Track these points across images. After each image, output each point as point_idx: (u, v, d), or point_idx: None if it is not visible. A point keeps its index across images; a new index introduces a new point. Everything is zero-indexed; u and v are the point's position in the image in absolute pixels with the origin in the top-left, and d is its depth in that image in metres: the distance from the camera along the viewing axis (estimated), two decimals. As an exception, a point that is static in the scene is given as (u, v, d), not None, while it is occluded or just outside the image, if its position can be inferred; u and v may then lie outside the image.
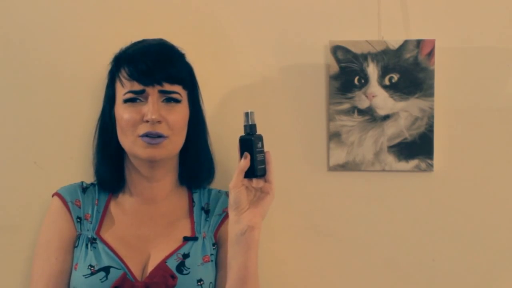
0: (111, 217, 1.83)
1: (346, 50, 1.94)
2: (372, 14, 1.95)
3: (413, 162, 1.95)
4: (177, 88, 1.78)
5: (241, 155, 1.68)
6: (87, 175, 1.94)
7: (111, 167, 1.84)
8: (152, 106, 1.74)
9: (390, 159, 1.95)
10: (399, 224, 1.97)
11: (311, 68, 1.97)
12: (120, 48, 1.84)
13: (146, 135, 1.74)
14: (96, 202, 1.84)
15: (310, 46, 1.97)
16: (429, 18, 1.95)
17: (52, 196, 1.85)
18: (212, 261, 1.78)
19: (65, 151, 1.99)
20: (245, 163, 1.67)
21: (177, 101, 1.78)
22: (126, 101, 1.76)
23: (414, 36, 1.94)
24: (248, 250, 1.67)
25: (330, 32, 1.96)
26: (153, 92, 1.75)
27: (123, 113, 1.76)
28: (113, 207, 1.84)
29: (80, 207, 1.83)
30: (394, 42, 1.93)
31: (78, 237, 1.80)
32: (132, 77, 1.75)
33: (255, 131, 1.70)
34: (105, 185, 1.85)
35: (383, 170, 1.96)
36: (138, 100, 1.76)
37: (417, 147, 1.94)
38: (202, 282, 1.73)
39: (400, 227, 1.97)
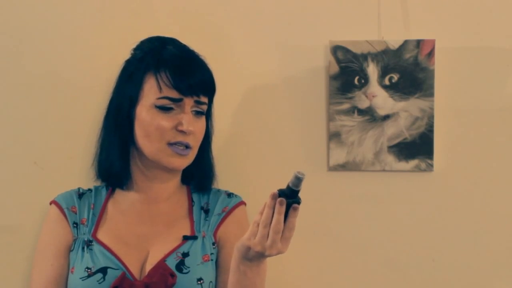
0: (108, 217, 1.83)
1: (346, 50, 1.94)
2: (372, 14, 1.96)
3: (413, 162, 1.95)
4: (207, 99, 1.79)
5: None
6: (87, 175, 1.94)
7: (123, 163, 1.82)
8: (189, 117, 1.75)
9: (390, 159, 1.95)
10: (399, 224, 1.97)
11: (311, 68, 1.97)
12: (122, 48, 1.83)
13: (177, 144, 1.74)
14: (92, 206, 1.84)
15: (310, 46, 1.97)
16: (429, 18, 1.96)
17: (50, 204, 1.86)
18: (212, 260, 1.78)
19: (65, 151, 1.99)
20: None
21: (203, 112, 1.79)
22: (160, 107, 1.75)
23: (414, 36, 1.94)
24: (256, 276, 1.65)
25: (330, 32, 1.96)
26: (189, 102, 1.75)
27: (152, 119, 1.74)
28: (111, 207, 1.84)
29: (76, 213, 1.83)
30: (394, 42, 1.93)
31: (74, 242, 1.80)
32: (175, 84, 1.73)
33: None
34: (111, 179, 1.84)
35: (383, 170, 1.96)
36: (171, 107, 1.75)
37: (417, 147, 1.94)
38: (202, 281, 1.73)
39: (400, 227, 1.97)
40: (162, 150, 1.76)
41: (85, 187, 1.90)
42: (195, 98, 1.76)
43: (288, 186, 1.53)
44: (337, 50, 1.94)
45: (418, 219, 1.97)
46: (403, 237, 1.97)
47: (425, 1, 1.95)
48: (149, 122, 1.75)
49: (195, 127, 1.77)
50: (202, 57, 1.82)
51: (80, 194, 1.86)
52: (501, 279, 1.98)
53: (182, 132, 1.74)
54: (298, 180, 1.52)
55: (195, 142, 1.78)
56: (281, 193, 1.53)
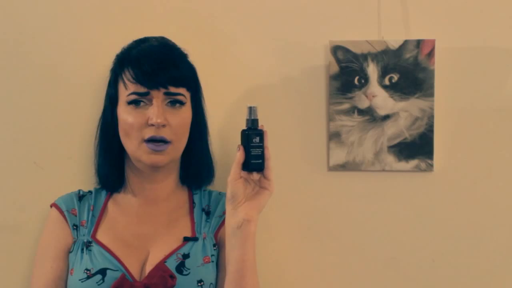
0: (108, 218, 1.83)
1: (346, 50, 1.94)
2: (372, 14, 1.95)
3: (413, 162, 1.95)
4: (182, 90, 1.78)
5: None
6: (87, 175, 1.94)
7: (113, 166, 1.85)
8: (157, 110, 1.74)
9: (390, 159, 1.95)
10: (399, 224, 1.97)
11: (311, 68, 1.97)
12: (121, 47, 1.84)
13: (151, 140, 1.74)
14: (92, 208, 1.85)
15: (310, 46, 1.97)
16: (429, 18, 1.95)
17: (50, 206, 1.86)
18: (212, 261, 1.78)
19: (65, 151, 1.99)
20: (239, 155, 1.71)
21: (181, 103, 1.78)
22: (130, 102, 1.76)
23: (414, 36, 1.94)
24: (244, 243, 1.69)
25: (330, 32, 1.96)
26: (157, 95, 1.75)
27: (127, 116, 1.76)
28: (111, 208, 1.85)
29: (76, 215, 1.84)
30: (394, 42, 1.93)
31: (73, 243, 1.80)
32: (137, 79, 1.75)
33: (256, 125, 1.73)
34: (106, 184, 1.86)
35: (383, 170, 1.96)
36: (141, 103, 1.76)
37: (417, 147, 1.94)
38: (202, 283, 1.73)
39: (400, 227, 1.97)
40: (140, 147, 1.76)
41: (85, 187, 1.90)
42: (163, 90, 1.75)
43: (246, 121, 1.73)
44: (337, 50, 1.94)
45: (418, 219, 1.97)
46: (403, 237, 1.98)
47: (425, 1, 1.95)
48: (124, 120, 1.77)
49: (171, 119, 1.76)
50: (184, 51, 1.82)
51: (80, 196, 1.87)
52: (501, 279, 1.98)
53: (152, 126, 1.74)
54: (248, 110, 1.73)
55: (174, 135, 1.77)
56: (242, 130, 1.73)
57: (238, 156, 1.71)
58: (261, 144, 1.72)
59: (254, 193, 1.73)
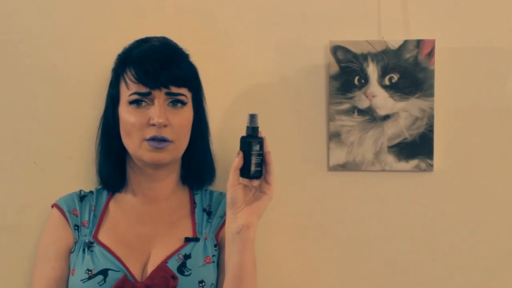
0: (109, 219, 1.83)
1: (346, 50, 1.94)
2: (372, 14, 1.96)
3: (413, 162, 1.95)
4: (183, 90, 1.78)
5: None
6: (87, 175, 1.94)
7: (114, 166, 1.85)
8: (158, 110, 1.74)
9: (390, 159, 1.95)
10: (399, 224, 1.98)
11: (311, 68, 1.97)
12: (122, 47, 1.84)
13: (152, 139, 1.74)
14: (93, 208, 1.85)
15: (310, 46, 1.97)
16: (429, 18, 1.96)
17: (52, 207, 1.86)
18: (214, 262, 1.78)
19: (65, 151, 1.99)
20: (237, 161, 1.70)
21: (183, 103, 1.78)
22: (131, 102, 1.76)
23: (414, 36, 1.94)
24: (243, 249, 1.69)
25: (330, 32, 1.96)
26: (159, 95, 1.75)
27: (128, 116, 1.76)
28: (112, 208, 1.85)
29: (77, 216, 1.84)
30: (394, 42, 1.93)
31: (75, 244, 1.80)
32: (139, 79, 1.75)
33: (256, 133, 1.72)
34: (107, 184, 1.86)
35: (383, 170, 1.96)
36: (143, 102, 1.76)
37: (417, 147, 1.94)
38: (203, 284, 1.73)
39: (400, 227, 1.98)
40: (141, 146, 1.76)
41: (86, 187, 1.91)
42: (165, 90, 1.75)
43: (246, 128, 1.72)
44: (337, 50, 1.94)
45: (418, 219, 1.97)
46: (403, 237, 1.98)
47: (425, 1, 1.95)
48: (126, 120, 1.77)
49: (172, 119, 1.76)
50: (185, 51, 1.83)
51: (82, 197, 1.87)
52: (501, 279, 1.98)
53: (154, 125, 1.75)
54: (249, 117, 1.71)
55: (175, 136, 1.77)
56: (242, 137, 1.72)
57: (237, 161, 1.70)
58: (261, 152, 1.72)
59: (254, 199, 1.73)
